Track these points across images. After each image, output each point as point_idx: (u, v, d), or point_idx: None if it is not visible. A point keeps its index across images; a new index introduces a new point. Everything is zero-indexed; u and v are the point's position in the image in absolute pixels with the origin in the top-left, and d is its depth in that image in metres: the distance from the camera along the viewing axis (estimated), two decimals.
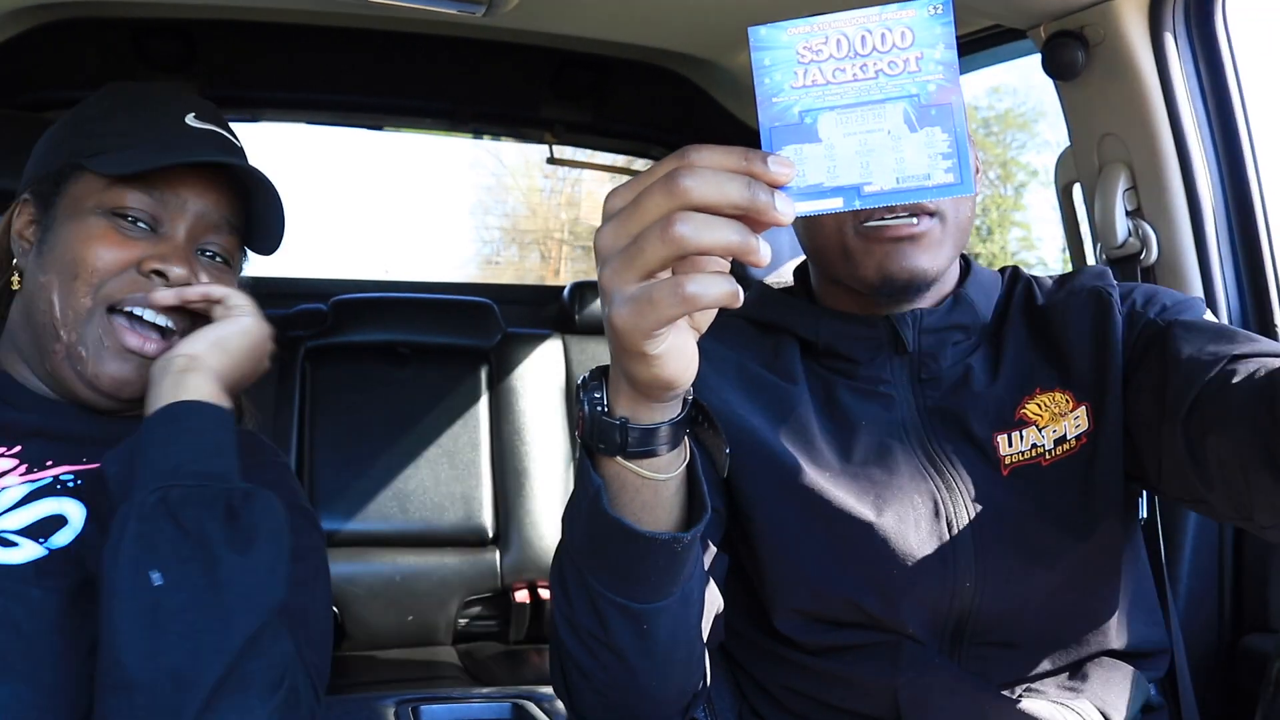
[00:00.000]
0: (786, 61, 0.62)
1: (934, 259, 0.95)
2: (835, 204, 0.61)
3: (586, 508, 0.73)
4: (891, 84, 0.61)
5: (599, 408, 0.71)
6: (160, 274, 0.97)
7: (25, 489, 0.91)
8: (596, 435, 0.71)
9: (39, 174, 1.04)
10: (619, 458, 0.71)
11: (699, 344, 0.68)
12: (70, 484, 0.93)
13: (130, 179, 0.98)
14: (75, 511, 0.91)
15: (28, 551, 0.86)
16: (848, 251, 0.96)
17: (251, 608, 0.79)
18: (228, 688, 0.76)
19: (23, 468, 0.93)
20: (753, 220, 0.59)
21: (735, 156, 0.59)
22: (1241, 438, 0.82)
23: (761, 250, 0.59)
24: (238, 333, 0.97)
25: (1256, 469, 0.81)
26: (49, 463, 0.94)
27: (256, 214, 1.05)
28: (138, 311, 0.97)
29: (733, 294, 0.60)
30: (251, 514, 0.83)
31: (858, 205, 0.61)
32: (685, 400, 0.72)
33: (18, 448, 0.95)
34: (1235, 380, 0.85)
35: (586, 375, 0.73)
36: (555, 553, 0.83)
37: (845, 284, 1.01)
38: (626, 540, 0.72)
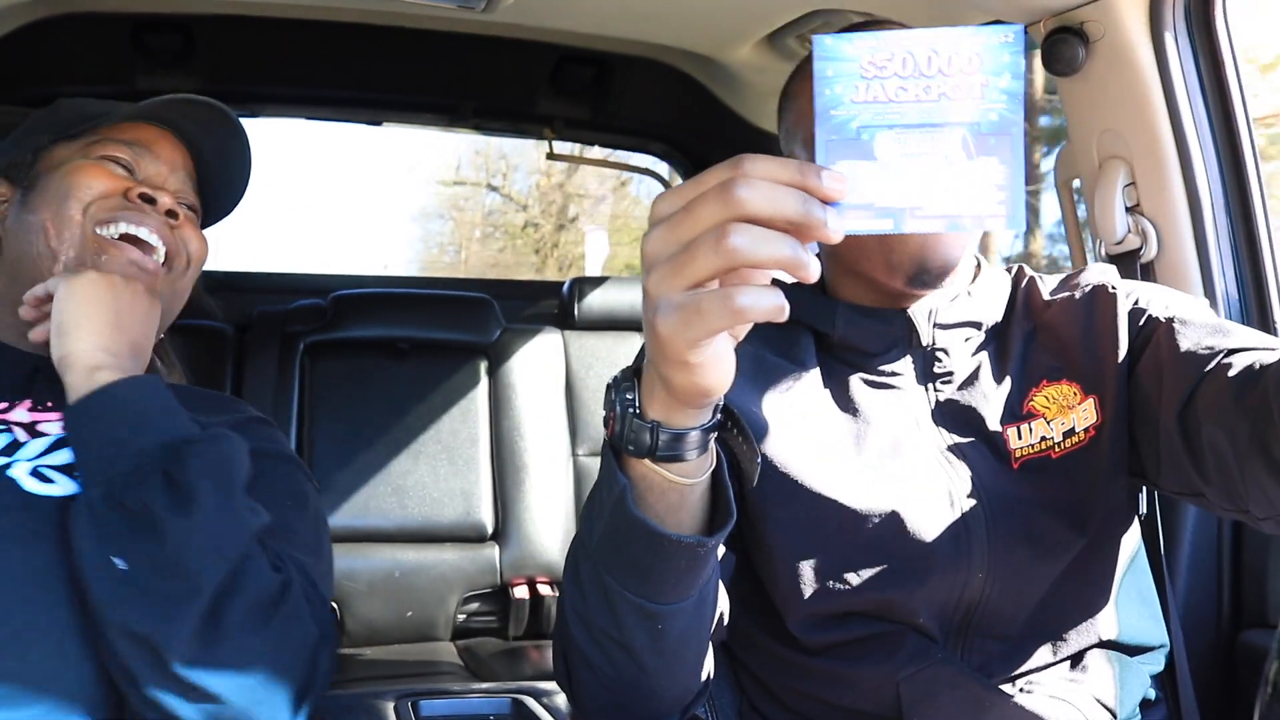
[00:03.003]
0: (850, 74, 0.60)
1: (964, 247, 0.99)
2: (885, 225, 0.60)
3: (610, 506, 0.73)
4: (953, 108, 0.59)
5: (631, 409, 0.70)
6: (148, 199, 1.05)
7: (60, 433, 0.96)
8: (627, 437, 0.70)
9: (9, 160, 1.10)
10: (648, 460, 0.70)
11: None
12: None
13: (109, 133, 1.08)
14: None
15: (64, 487, 0.90)
16: (884, 239, 0.95)
17: (210, 560, 0.81)
18: (207, 636, 0.80)
19: (56, 414, 0.97)
20: (801, 234, 0.58)
21: (791, 169, 0.58)
22: (1237, 430, 0.82)
23: (812, 266, 0.58)
24: (89, 295, 0.95)
25: (1251, 461, 0.81)
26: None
27: (217, 167, 1.17)
28: (131, 231, 1.04)
29: (781, 308, 0.59)
30: (186, 473, 0.84)
31: (906, 229, 0.60)
32: (716, 406, 0.71)
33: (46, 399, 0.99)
34: (1231, 373, 0.85)
35: (618, 375, 0.73)
36: (570, 547, 0.82)
37: (869, 273, 1.00)
38: (650, 541, 0.72)
